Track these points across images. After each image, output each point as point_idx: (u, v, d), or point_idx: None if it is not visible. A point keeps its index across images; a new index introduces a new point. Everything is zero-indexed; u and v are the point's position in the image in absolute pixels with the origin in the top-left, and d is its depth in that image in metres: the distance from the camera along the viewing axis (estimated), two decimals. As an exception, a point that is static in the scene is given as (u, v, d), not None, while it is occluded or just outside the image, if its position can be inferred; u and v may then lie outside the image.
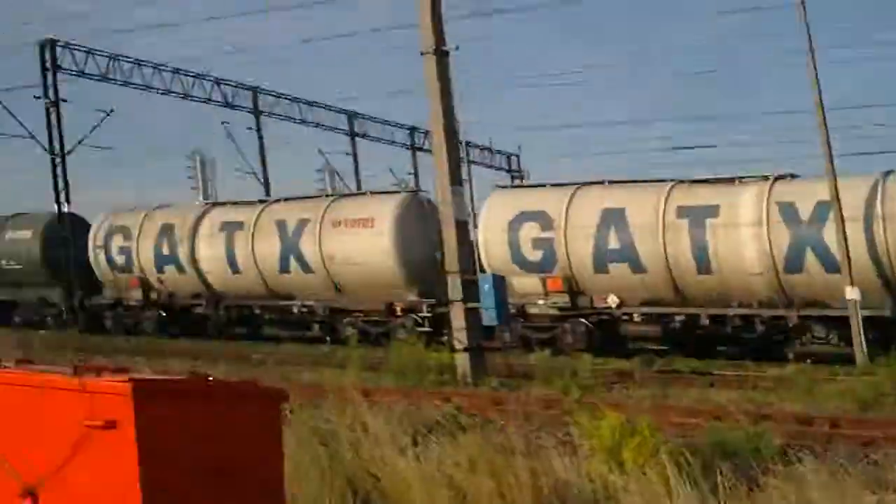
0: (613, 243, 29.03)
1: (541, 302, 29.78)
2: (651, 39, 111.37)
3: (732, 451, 10.76)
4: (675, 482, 8.77)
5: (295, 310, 35.23)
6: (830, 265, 25.83)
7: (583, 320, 29.37)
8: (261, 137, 54.15)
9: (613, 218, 29.19)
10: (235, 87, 52.01)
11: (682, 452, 9.54)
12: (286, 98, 54.91)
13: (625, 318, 29.04)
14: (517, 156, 63.08)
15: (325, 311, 34.48)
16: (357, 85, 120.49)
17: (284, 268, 35.11)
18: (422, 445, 11.09)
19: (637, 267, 28.72)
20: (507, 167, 62.78)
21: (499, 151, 61.84)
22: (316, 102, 56.22)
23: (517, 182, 52.25)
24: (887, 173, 26.84)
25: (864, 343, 23.89)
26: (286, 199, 37.78)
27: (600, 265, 29.24)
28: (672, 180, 29.75)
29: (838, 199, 24.94)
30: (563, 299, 29.49)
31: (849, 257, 24.74)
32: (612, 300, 28.91)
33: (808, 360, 19.06)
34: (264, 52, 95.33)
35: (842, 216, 24.88)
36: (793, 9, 25.32)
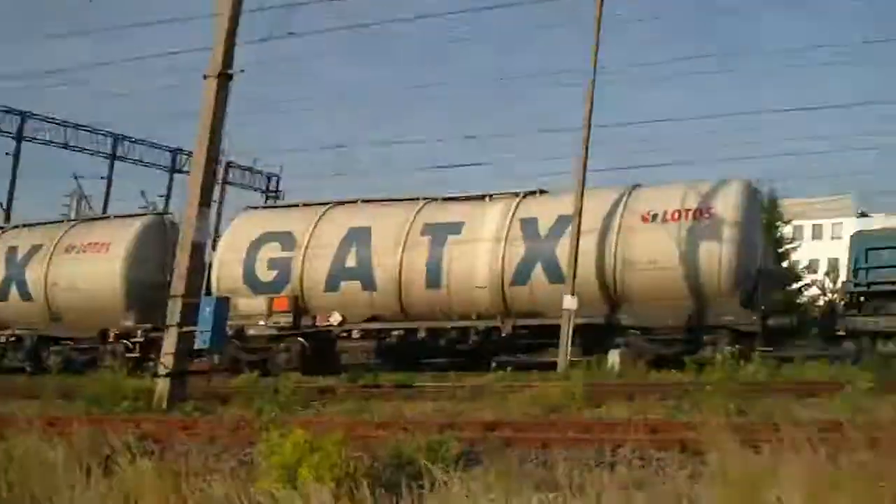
0: (351, 261, 30.77)
1: (262, 323, 30.91)
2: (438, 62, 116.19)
3: (412, 460, 12.13)
4: (350, 494, 10.11)
5: (3, 339, 35.35)
6: (555, 276, 28.14)
7: (300, 339, 30.72)
8: (16, 164, 55.32)
9: (358, 237, 30.94)
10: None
11: (364, 465, 10.90)
12: (53, 122, 56.73)
13: (343, 335, 30.60)
14: (278, 177, 64.86)
15: (32, 340, 34.76)
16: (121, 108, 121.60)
17: (2, 297, 35.42)
18: (93, 475, 11.88)
19: (368, 284, 30.41)
20: (265, 188, 64.56)
21: (259, 172, 63.40)
22: (82, 126, 57.90)
23: (270, 202, 54.17)
24: (633, 187, 29.58)
25: (569, 349, 26.36)
26: (25, 226, 38.28)
27: (333, 284, 30.81)
28: (426, 198, 31.85)
29: (580, 213, 27.33)
30: (286, 319, 30.77)
31: (575, 269, 27.16)
32: (335, 318, 30.32)
33: (509, 369, 20.98)
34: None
35: (579, 228, 27.29)
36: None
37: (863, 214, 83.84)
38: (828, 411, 17.06)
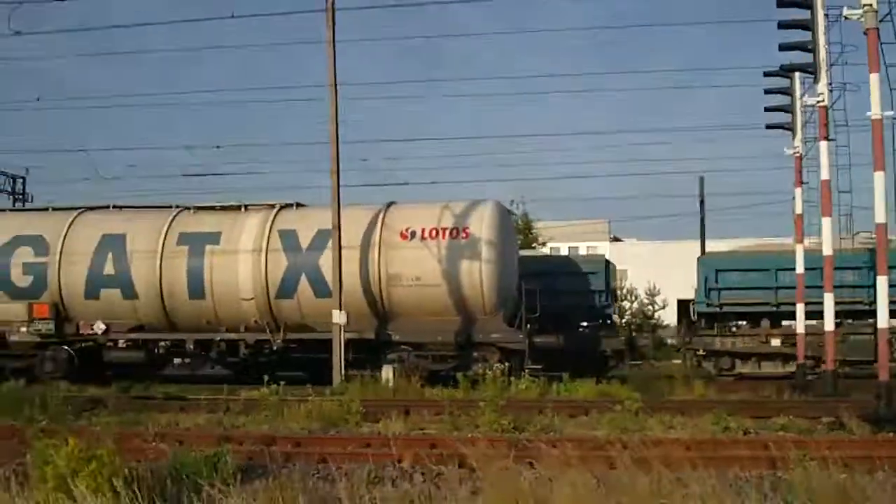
0: (109, 269, 30.06)
1: (24, 329, 29.98)
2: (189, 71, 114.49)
3: (191, 473, 12.08)
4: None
5: None
6: (322, 290, 28.39)
7: (66, 347, 30.00)
8: None
9: (113, 243, 30.24)
10: None
11: (141, 476, 10.80)
12: None
13: (110, 344, 30.07)
14: (23, 178, 62.10)
15: None
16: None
17: None
18: None
19: (129, 293, 29.85)
20: (10, 190, 61.59)
21: (3, 173, 60.56)
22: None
23: (19, 206, 52.04)
24: (389, 205, 30.06)
25: (342, 364, 26.65)
26: None
27: (92, 292, 30.08)
28: (178, 207, 31.45)
29: (339, 227, 27.56)
30: (48, 326, 29.91)
31: (340, 282, 27.40)
32: (99, 327, 29.71)
33: (282, 383, 21.07)
34: None
35: (340, 243, 27.58)
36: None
37: (616, 239, 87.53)
38: (598, 428, 18.02)
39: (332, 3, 27.55)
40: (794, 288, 29.33)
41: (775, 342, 31.81)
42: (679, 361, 35.01)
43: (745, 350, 32.00)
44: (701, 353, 32.62)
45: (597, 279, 33.60)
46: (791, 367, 30.22)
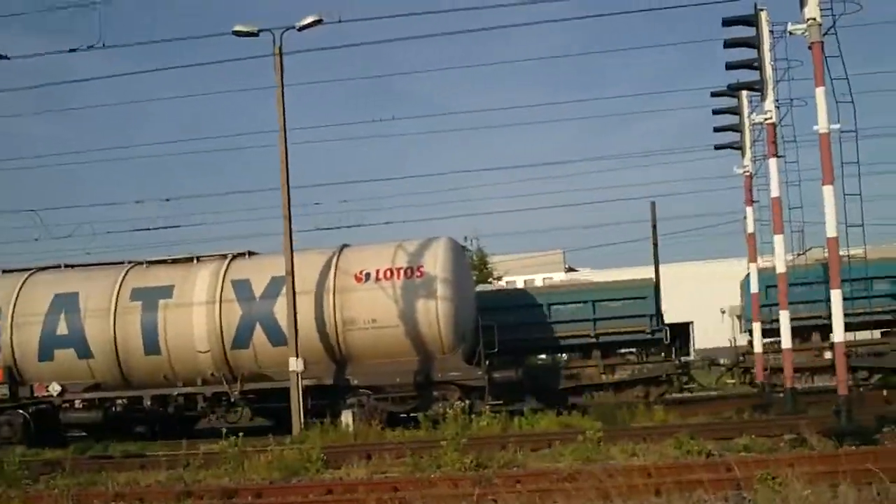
0: (62, 329, 29.72)
1: (-23, 395, 29.56)
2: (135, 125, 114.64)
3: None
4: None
5: None
6: (277, 338, 28.22)
7: (21, 412, 29.57)
8: None
9: (66, 303, 29.90)
10: None
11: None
12: None
13: (66, 405, 29.67)
14: None
15: None
16: None
17: None
18: None
19: (84, 352, 29.50)
20: None
21: None
22: None
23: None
24: (342, 248, 29.99)
25: (301, 412, 26.54)
26: None
27: (46, 353, 29.72)
28: (130, 262, 31.22)
29: (293, 274, 27.54)
30: (2, 391, 29.61)
31: (296, 329, 27.30)
32: (54, 388, 29.36)
33: (240, 434, 20.94)
34: None
35: (294, 290, 27.52)
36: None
37: (570, 269, 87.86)
38: (561, 460, 18.07)
39: (280, 48, 27.60)
40: (847, 300, 29.93)
41: (828, 355, 31.34)
42: (732, 381, 35.55)
43: (798, 365, 31.13)
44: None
45: (647, 304, 32.66)
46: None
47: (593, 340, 32.33)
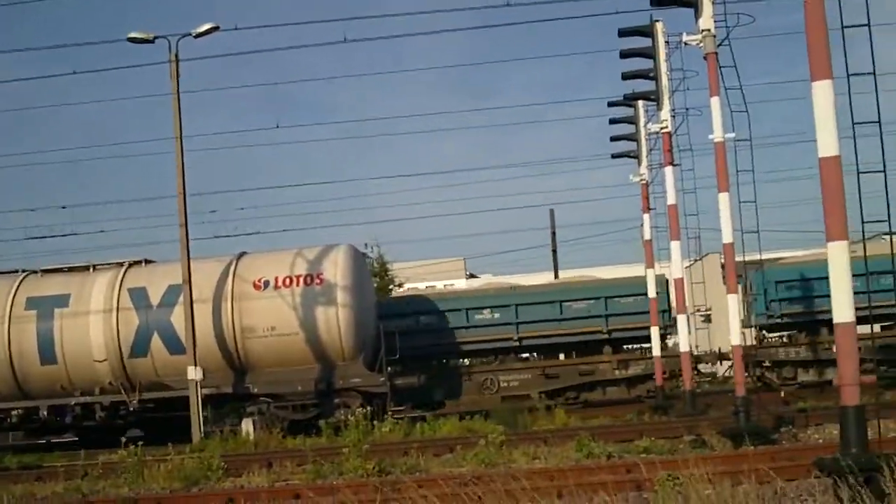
0: (-46, 338, 28.85)
1: None
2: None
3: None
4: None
5: None
6: (175, 347, 27.89)
7: None
8: None
9: (-43, 312, 29.00)
10: None
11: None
12: None
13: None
14: None
15: None
16: None
17: None
18: None
19: (-24, 363, 28.72)
20: None
21: None
22: None
23: None
24: (240, 255, 29.79)
25: (201, 420, 26.28)
26: None
27: (-64, 365, 28.84)
28: (24, 271, 30.57)
29: (190, 282, 27.25)
30: None
31: (194, 338, 27.01)
32: None
33: (139, 444, 20.65)
34: None
35: (191, 298, 27.22)
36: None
37: (472, 276, 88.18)
38: (464, 465, 18.12)
39: (177, 55, 27.31)
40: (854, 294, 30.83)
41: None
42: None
43: (808, 359, 32.68)
44: (767, 364, 33.24)
45: (660, 301, 32.48)
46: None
47: (606, 336, 32.79)
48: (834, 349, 32.23)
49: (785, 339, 34.20)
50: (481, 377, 32.74)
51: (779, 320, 33.21)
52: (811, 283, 31.97)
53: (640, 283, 31.78)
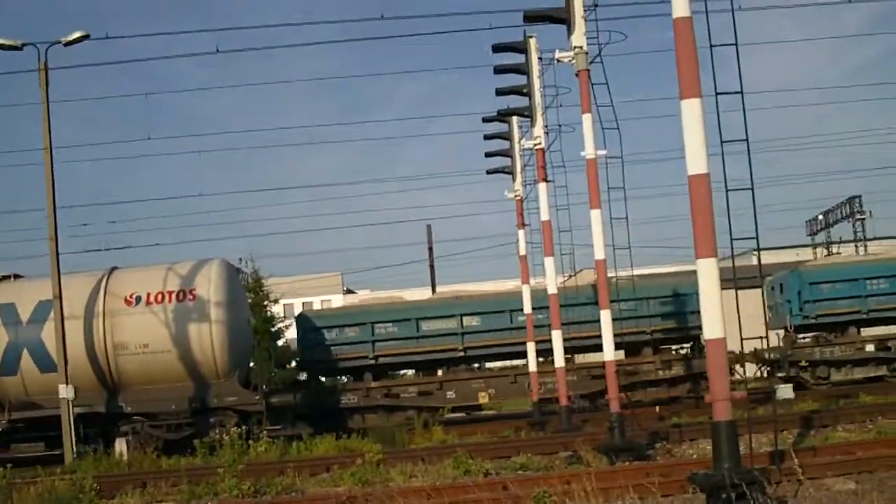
0: None
1: None
2: None
3: None
4: None
5: None
6: (46, 365, 27.08)
7: None
8: None
9: None
10: None
11: None
12: None
13: None
14: None
15: None
16: None
17: None
18: None
19: None
20: None
21: None
22: None
23: None
24: (112, 270, 29.03)
25: (73, 440, 25.58)
26: None
27: None
28: None
29: (60, 297, 26.49)
30: None
31: (65, 355, 26.25)
32: None
33: (9, 465, 20.00)
34: None
35: (63, 314, 26.48)
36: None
37: (349, 291, 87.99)
38: (340, 484, 17.95)
39: (46, 63, 26.64)
40: (883, 295, 33.36)
41: (870, 348, 34.10)
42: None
43: (842, 358, 33.76)
44: (803, 363, 34.05)
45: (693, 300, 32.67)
46: (882, 371, 33.62)
47: (648, 337, 33.19)
48: (866, 349, 33.68)
49: (812, 339, 35.37)
50: (524, 378, 32.50)
51: (813, 321, 34.58)
52: (845, 285, 34.08)
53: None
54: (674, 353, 34.05)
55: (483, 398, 32.72)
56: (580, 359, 35.24)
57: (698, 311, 12.46)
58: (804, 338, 35.57)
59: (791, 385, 31.81)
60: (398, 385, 33.65)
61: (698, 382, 32.29)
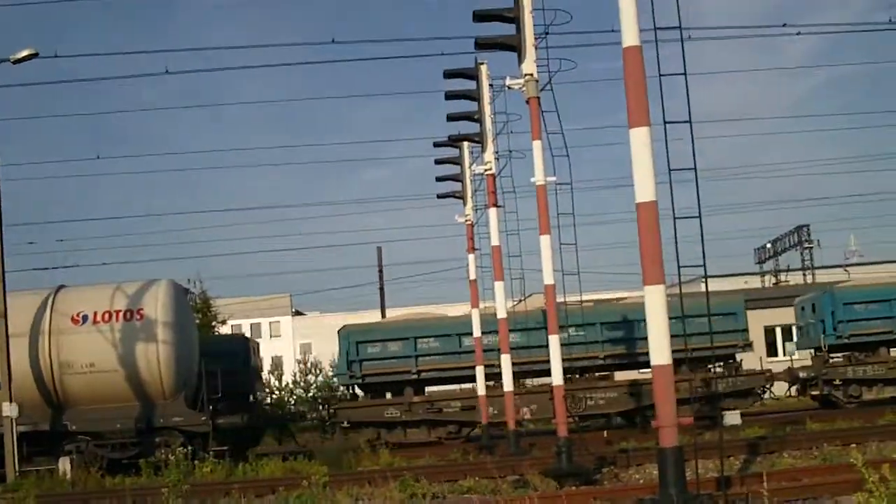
0: None
1: None
2: None
3: None
4: None
5: None
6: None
7: None
8: None
9: None
10: None
11: None
12: None
13: None
14: None
15: None
16: None
17: None
18: None
19: None
20: None
21: None
22: None
23: None
24: (58, 288, 28.73)
25: (16, 459, 25.28)
26: None
27: None
28: None
29: (6, 315, 26.16)
30: None
31: (10, 373, 25.90)
32: None
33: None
34: None
35: (7, 332, 26.11)
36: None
37: (298, 313, 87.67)
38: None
39: (-10, 80, 26.42)
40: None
41: None
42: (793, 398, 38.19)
43: (874, 377, 34.83)
44: (837, 382, 34.90)
45: (737, 320, 33.99)
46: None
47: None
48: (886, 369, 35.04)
49: (844, 359, 36.12)
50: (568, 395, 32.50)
51: (846, 340, 35.37)
52: (878, 306, 35.17)
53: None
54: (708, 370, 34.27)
55: (525, 414, 32.68)
56: (619, 376, 35.70)
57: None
58: (835, 357, 36.51)
59: (738, 411, 32.02)
60: (441, 400, 33.69)
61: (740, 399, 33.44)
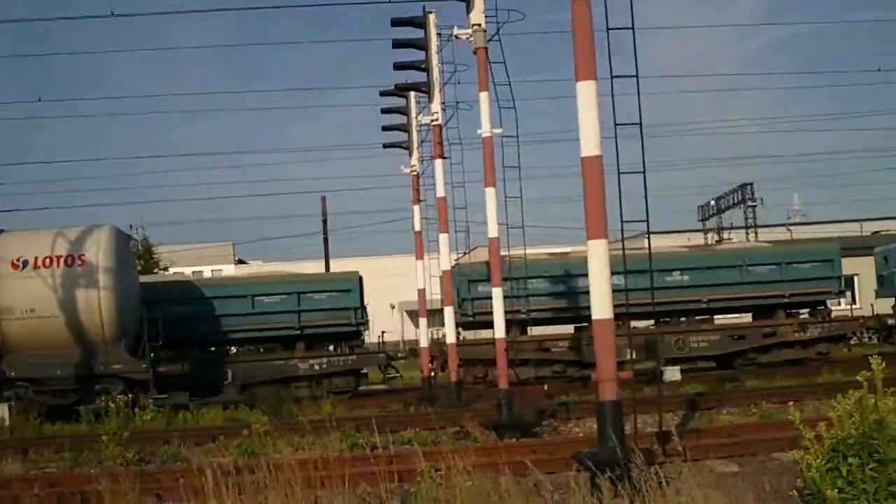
0: None
1: None
2: None
3: None
4: None
5: None
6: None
7: None
8: None
9: None
10: None
11: None
12: None
13: None
14: None
15: None
16: None
17: None
18: None
19: None
20: None
21: None
22: None
23: None
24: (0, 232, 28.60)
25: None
26: None
27: None
28: None
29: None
30: None
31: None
32: None
33: None
34: None
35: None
36: None
37: (240, 261, 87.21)
38: (227, 455, 17.80)
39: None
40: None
41: None
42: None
43: None
44: None
45: (832, 267, 34.43)
46: None
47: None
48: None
49: None
50: (672, 338, 33.10)
51: None
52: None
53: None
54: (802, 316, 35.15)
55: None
56: (719, 319, 36.67)
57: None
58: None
59: (678, 367, 32.27)
60: (550, 339, 33.58)
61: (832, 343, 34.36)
